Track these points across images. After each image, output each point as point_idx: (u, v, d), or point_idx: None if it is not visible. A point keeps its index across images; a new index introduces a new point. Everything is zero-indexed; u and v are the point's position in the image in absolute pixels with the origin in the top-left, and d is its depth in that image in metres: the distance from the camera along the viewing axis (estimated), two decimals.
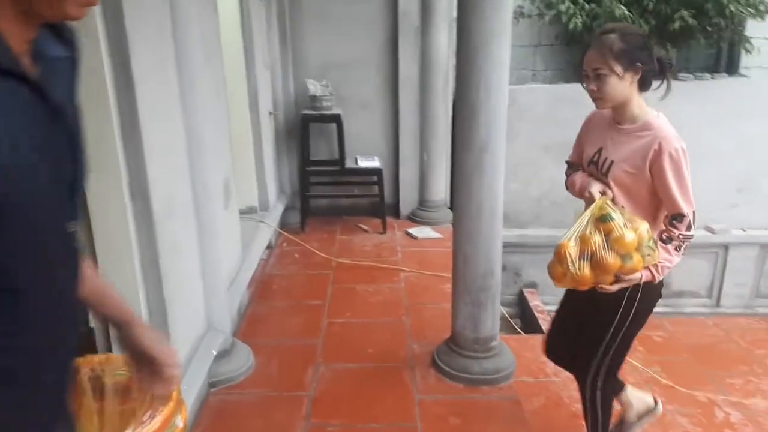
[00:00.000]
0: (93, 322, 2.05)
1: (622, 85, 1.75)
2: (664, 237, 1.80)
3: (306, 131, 4.39)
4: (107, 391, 1.52)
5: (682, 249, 1.80)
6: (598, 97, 1.79)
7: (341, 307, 3.29)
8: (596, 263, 1.73)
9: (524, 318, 4.61)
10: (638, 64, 1.74)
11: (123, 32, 1.77)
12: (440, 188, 4.67)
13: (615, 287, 1.78)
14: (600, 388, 1.98)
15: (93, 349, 2.07)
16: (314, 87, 4.32)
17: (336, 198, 4.70)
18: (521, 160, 4.56)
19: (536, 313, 4.37)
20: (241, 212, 3.72)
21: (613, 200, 1.82)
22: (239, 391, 2.53)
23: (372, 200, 4.55)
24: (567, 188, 2.04)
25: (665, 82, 1.82)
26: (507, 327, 3.99)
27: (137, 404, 1.50)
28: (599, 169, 1.87)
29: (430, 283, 3.59)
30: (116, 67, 1.80)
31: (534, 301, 4.62)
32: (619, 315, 1.86)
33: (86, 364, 1.61)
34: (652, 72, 1.78)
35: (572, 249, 1.74)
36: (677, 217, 1.77)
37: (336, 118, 4.31)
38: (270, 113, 4.30)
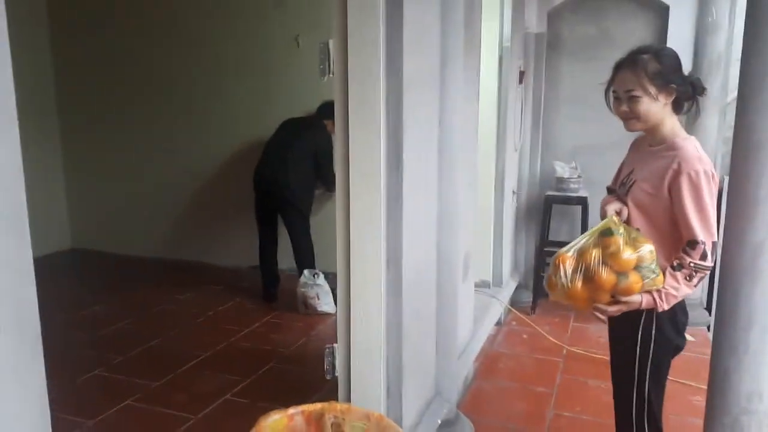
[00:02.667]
0: (338, 371, 2.27)
1: (656, 106, 1.71)
2: (675, 263, 1.69)
3: (548, 212, 4.36)
4: None
5: (694, 280, 1.69)
6: (629, 118, 1.74)
7: (570, 400, 3.10)
8: (589, 278, 1.65)
9: None
10: (672, 85, 1.70)
11: (400, 122, 2.02)
12: (697, 285, 4.19)
13: (613, 309, 1.69)
14: None
15: (333, 395, 2.29)
16: (562, 169, 4.31)
17: None
18: None
19: None
20: (476, 285, 3.80)
21: (628, 221, 1.77)
22: None
23: None
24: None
25: (694, 105, 1.78)
26: None
27: None
28: (624, 190, 1.83)
29: (676, 390, 3.19)
30: (390, 151, 2.05)
31: None
32: (639, 348, 1.79)
33: (330, 410, 1.80)
34: (685, 94, 1.74)
35: (569, 261, 1.67)
36: (691, 243, 1.67)
37: (582, 201, 4.21)
38: (513, 192, 4.39)
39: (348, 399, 2.23)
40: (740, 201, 2.08)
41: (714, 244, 1.69)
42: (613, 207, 1.77)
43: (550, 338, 3.86)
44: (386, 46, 1.95)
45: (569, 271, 1.66)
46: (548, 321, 4.17)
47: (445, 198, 2.49)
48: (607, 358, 3.54)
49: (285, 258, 4.40)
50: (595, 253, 1.64)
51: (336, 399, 2.26)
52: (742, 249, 2.08)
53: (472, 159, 3.21)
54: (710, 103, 3.95)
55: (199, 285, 4.71)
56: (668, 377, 3.35)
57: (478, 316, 3.61)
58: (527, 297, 4.46)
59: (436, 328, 2.60)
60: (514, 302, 4.44)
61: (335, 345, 2.26)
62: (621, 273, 1.63)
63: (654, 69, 1.69)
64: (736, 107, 2.10)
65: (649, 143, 1.82)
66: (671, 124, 1.76)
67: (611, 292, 1.66)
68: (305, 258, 4.23)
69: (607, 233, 1.66)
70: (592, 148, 4.41)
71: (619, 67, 1.76)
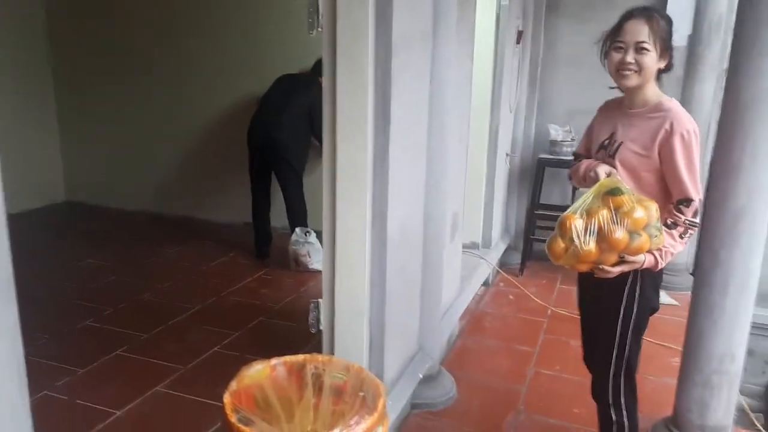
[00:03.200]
0: (322, 325, 2.32)
1: (655, 65, 1.71)
2: (669, 222, 1.71)
3: (540, 175, 4.36)
4: (325, 389, 1.71)
5: (686, 237, 1.71)
6: (632, 71, 1.71)
7: (551, 358, 3.17)
8: (602, 238, 1.60)
9: None
10: (669, 51, 1.74)
11: (389, 79, 2.00)
12: (684, 251, 4.22)
13: (616, 269, 1.65)
14: (623, 392, 1.91)
15: (318, 348, 2.34)
16: (556, 132, 4.29)
17: None
18: None
19: None
20: (464, 246, 3.83)
21: None
22: (438, 419, 2.60)
23: None
24: (570, 178, 2.01)
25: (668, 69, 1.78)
26: (745, 421, 3.41)
27: (347, 408, 1.66)
28: (608, 152, 1.81)
29: (656, 352, 3.26)
30: (377, 108, 2.03)
31: None
32: (623, 308, 1.80)
33: (311, 361, 1.84)
34: (671, 59, 1.75)
35: (578, 222, 1.61)
36: (684, 201, 1.70)
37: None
38: (507, 154, 4.37)
39: (332, 352, 2.27)
40: (724, 165, 2.10)
41: (701, 200, 1.72)
42: (603, 169, 1.73)
43: (536, 299, 3.91)
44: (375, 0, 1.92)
45: (581, 232, 1.61)
46: (535, 283, 4.22)
47: (434, 157, 2.49)
48: None
49: (279, 216, 4.42)
50: (605, 213, 1.60)
51: (320, 353, 2.31)
52: (723, 213, 2.11)
53: (465, 119, 3.19)
54: (708, 68, 3.91)
55: (192, 240, 4.74)
56: (649, 339, 3.43)
57: (465, 276, 3.65)
58: (516, 259, 4.50)
59: (421, 286, 2.63)
60: (502, 264, 4.49)
61: (320, 300, 2.30)
62: (633, 232, 1.60)
63: (664, 28, 1.70)
64: (729, 69, 2.09)
65: (628, 106, 1.81)
66: (654, 86, 1.76)
67: (622, 252, 1.63)
68: (298, 216, 4.25)
69: (615, 192, 1.62)
70: (586, 111, 4.30)
71: (630, 16, 1.73)
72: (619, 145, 1.77)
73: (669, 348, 3.22)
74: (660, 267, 1.71)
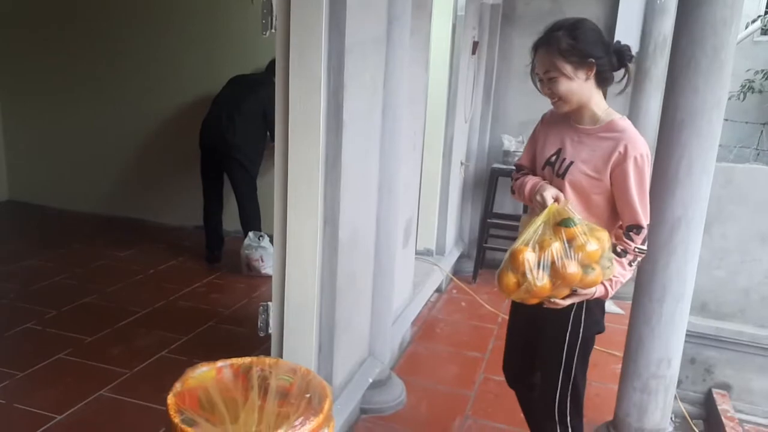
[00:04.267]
0: (272, 328, 2.30)
1: (576, 84, 1.62)
2: (619, 250, 1.66)
3: (494, 184, 4.45)
4: (270, 391, 1.70)
5: (634, 264, 1.69)
6: (554, 100, 1.68)
7: (500, 364, 3.22)
8: (556, 272, 1.54)
9: (709, 422, 4.04)
10: (591, 59, 1.60)
11: (341, 82, 2.02)
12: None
13: (566, 302, 1.61)
14: (570, 413, 1.84)
15: (267, 352, 2.32)
16: (509, 142, 4.38)
17: None
18: (732, 246, 4.08)
19: (724, 419, 3.81)
20: (418, 253, 3.87)
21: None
22: (386, 423, 2.61)
23: None
24: (513, 193, 1.89)
25: (626, 74, 1.69)
26: (685, 428, 3.55)
27: (292, 409, 1.66)
28: (555, 171, 1.72)
29: (601, 360, 3.36)
30: (330, 111, 2.04)
31: (723, 405, 4.04)
32: (568, 334, 1.74)
33: (258, 364, 1.82)
34: (608, 66, 1.64)
35: (530, 255, 1.55)
36: (634, 228, 1.65)
37: None
38: (462, 163, 4.45)
39: (280, 356, 2.26)
40: (662, 178, 2.19)
41: (648, 226, 1.68)
42: (550, 193, 1.64)
43: (488, 306, 3.98)
44: (329, 2, 1.93)
45: (534, 266, 1.54)
46: (487, 290, 4.28)
47: (387, 163, 2.51)
48: None
49: (231, 220, 4.36)
50: (558, 246, 1.54)
51: (268, 354, 2.30)
52: (661, 224, 2.20)
53: (419, 126, 3.23)
54: (654, 85, 4.07)
55: (141, 243, 4.63)
56: (595, 347, 3.53)
57: (418, 283, 3.68)
58: (469, 267, 4.56)
59: (373, 290, 2.64)
60: (456, 271, 4.55)
61: (270, 303, 2.28)
62: (587, 266, 1.55)
63: (567, 45, 1.59)
64: (665, 87, 2.19)
65: (576, 121, 1.71)
66: (599, 100, 1.68)
67: (576, 286, 1.58)
68: (251, 220, 4.20)
69: (567, 223, 1.56)
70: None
71: (536, 48, 1.67)
72: (569, 165, 1.68)
73: (612, 355, 3.31)
74: (610, 296, 1.68)
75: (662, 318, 2.27)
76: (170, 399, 1.57)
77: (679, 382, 2.77)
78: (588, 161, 1.65)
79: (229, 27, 4.62)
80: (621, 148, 1.60)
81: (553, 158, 1.74)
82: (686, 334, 2.40)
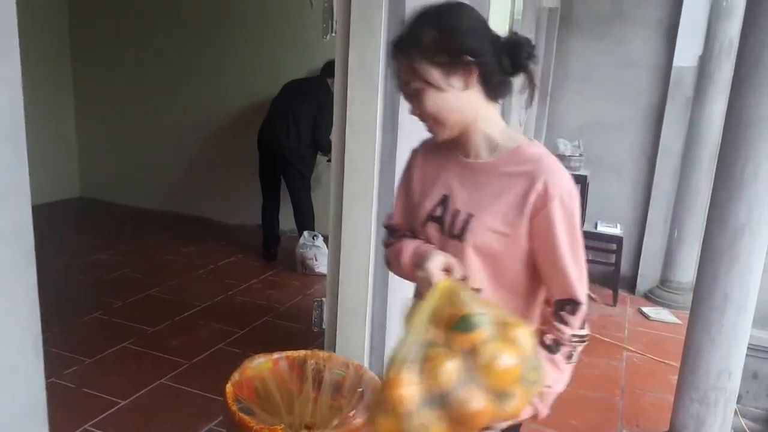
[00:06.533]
0: (325, 324, 2.36)
1: (451, 97, 1.11)
2: (549, 342, 1.13)
3: None
4: (324, 384, 1.75)
5: (573, 358, 1.15)
6: (427, 122, 1.16)
7: None
8: (454, 412, 0.99)
9: None
10: (467, 57, 1.09)
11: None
12: (689, 270, 4.23)
13: None
14: None
15: (321, 347, 2.38)
16: (565, 146, 4.33)
17: None
18: None
19: None
20: None
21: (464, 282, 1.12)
22: None
23: (606, 269, 4.33)
24: (388, 265, 1.35)
25: (528, 81, 1.15)
26: None
27: (345, 402, 1.70)
28: (446, 231, 1.18)
29: (657, 369, 3.28)
30: (386, 112, 2.09)
31: None
32: None
33: (313, 357, 1.88)
34: (496, 68, 1.11)
35: (410, 390, 0.99)
36: (569, 304, 1.12)
37: (582, 179, 4.24)
38: None
39: (333, 350, 2.31)
40: (726, 182, 2.13)
41: (584, 305, 1.14)
42: (437, 262, 1.11)
43: None
44: (389, 6, 1.98)
45: (418, 406, 0.99)
46: None
47: None
48: (593, 334, 3.63)
49: (288, 220, 4.48)
50: (452, 369, 1.00)
51: (322, 348, 2.36)
52: (723, 231, 2.14)
53: None
54: (718, 89, 3.93)
55: (203, 240, 4.81)
56: (650, 356, 3.43)
57: None
58: None
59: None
60: None
61: (324, 299, 2.34)
62: (501, 393, 1.01)
63: (430, 40, 1.09)
64: (731, 88, 2.13)
65: (464, 153, 1.20)
66: (492, 119, 1.16)
67: (485, 427, 1.05)
68: (305, 220, 4.31)
69: (464, 327, 1.01)
70: (597, 126, 4.43)
71: (393, 49, 1.16)
72: (467, 219, 1.15)
73: (669, 365, 3.22)
74: (543, 415, 1.18)
75: (723, 328, 2.20)
76: (228, 388, 1.63)
77: (740, 396, 2.67)
78: (495, 211, 1.13)
79: (294, 32, 4.75)
80: (539, 186, 1.09)
81: (438, 211, 1.20)
82: (748, 347, 2.31)
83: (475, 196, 1.16)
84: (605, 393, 2.98)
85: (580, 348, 1.16)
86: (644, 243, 4.39)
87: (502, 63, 1.12)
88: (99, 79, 5.58)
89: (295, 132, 4.11)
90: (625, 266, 4.30)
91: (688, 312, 3.93)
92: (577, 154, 4.27)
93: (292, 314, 3.59)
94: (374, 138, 2.08)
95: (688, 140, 4.12)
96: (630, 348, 3.50)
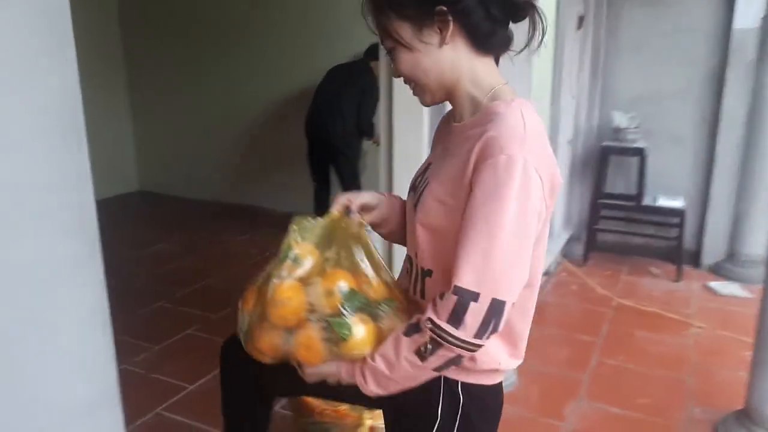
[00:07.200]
0: None
1: (427, 58, 0.98)
2: (410, 323, 0.96)
3: (604, 163, 4.26)
4: None
5: (431, 358, 0.93)
6: (412, 89, 1.06)
7: (615, 348, 3.11)
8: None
9: None
10: (441, 6, 0.94)
11: None
12: (759, 241, 4.03)
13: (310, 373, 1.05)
14: None
15: None
16: (620, 118, 4.17)
17: (626, 235, 4.43)
18: None
19: None
20: None
21: (416, 251, 1.05)
22: None
23: (668, 243, 4.17)
24: None
25: (531, 25, 0.99)
26: None
27: None
28: (414, 200, 1.10)
29: (727, 345, 3.14)
30: None
31: None
32: None
33: None
34: (481, 14, 0.95)
35: (252, 298, 1.14)
36: (446, 292, 0.91)
37: (639, 152, 4.08)
38: (568, 142, 4.29)
39: None
40: None
41: (498, 304, 0.90)
42: (342, 199, 1.16)
43: (600, 290, 3.83)
44: None
45: (246, 316, 1.13)
46: (599, 274, 4.12)
47: None
48: (658, 311, 3.52)
49: None
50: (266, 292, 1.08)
51: None
52: None
53: None
54: None
55: (257, 228, 4.90)
56: (722, 332, 3.29)
57: None
58: (579, 249, 4.41)
59: None
60: (565, 254, 4.41)
61: None
62: (286, 329, 1.05)
63: None
64: None
65: (455, 117, 1.08)
66: (481, 76, 1.01)
67: (275, 357, 1.09)
68: None
69: (281, 257, 1.07)
70: (652, 97, 4.25)
71: (363, 3, 1.04)
72: (424, 188, 1.05)
73: (741, 341, 3.08)
74: (370, 392, 1.00)
75: None
76: None
77: None
78: (443, 179, 1.00)
79: (340, 15, 4.74)
80: (480, 144, 0.92)
81: (419, 180, 1.12)
82: None
83: (438, 164, 1.06)
84: (673, 372, 2.88)
85: (446, 352, 0.92)
86: (708, 216, 4.20)
87: (487, 9, 0.96)
88: (152, 77, 5.73)
89: (340, 117, 4.10)
90: (688, 240, 4.14)
91: (759, 285, 3.76)
92: (633, 126, 4.11)
93: None
94: (422, 121, 2.04)
95: (752, 106, 3.90)
96: (697, 324, 3.37)
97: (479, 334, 0.90)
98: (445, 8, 0.94)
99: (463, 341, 0.90)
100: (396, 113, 2.06)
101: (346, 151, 4.20)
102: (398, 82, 2.01)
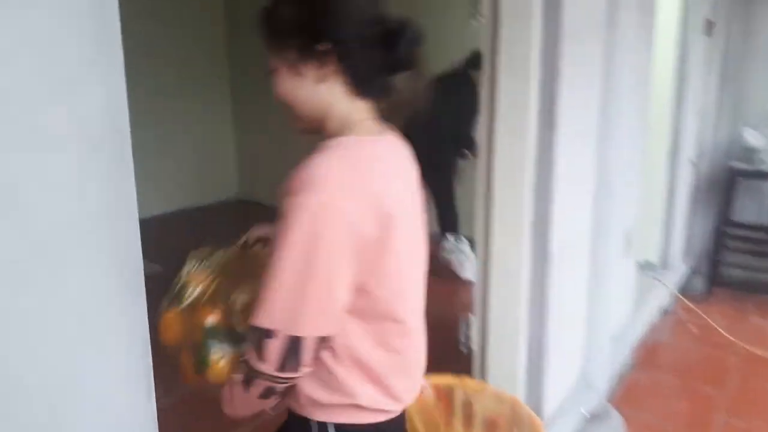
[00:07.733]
0: (475, 343, 2.13)
1: (302, 88, 0.96)
2: (245, 357, 0.94)
3: (732, 187, 3.77)
4: (476, 422, 1.53)
5: (252, 387, 0.93)
6: (285, 113, 1.03)
7: (745, 407, 2.66)
8: None
9: None
10: (322, 44, 0.90)
11: (556, 69, 1.77)
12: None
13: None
14: None
15: (469, 369, 2.15)
16: (753, 137, 3.68)
17: (757, 271, 3.89)
18: None
19: None
20: (639, 266, 3.40)
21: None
22: None
23: None
24: None
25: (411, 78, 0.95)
26: None
27: None
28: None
29: None
30: (542, 102, 1.82)
31: None
32: None
33: (462, 386, 1.66)
34: (365, 60, 0.92)
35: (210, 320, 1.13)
36: (257, 330, 0.89)
37: None
38: (691, 161, 3.85)
39: (483, 376, 2.08)
40: None
41: (294, 339, 0.87)
42: (259, 231, 1.27)
43: (725, 333, 3.34)
44: None
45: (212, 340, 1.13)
46: (723, 313, 3.62)
47: (605, 162, 2.19)
48: None
49: (431, 220, 4.31)
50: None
51: (470, 373, 2.13)
52: None
53: (642, 119, 2.81)
54: None
55: None
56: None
57: (638, 301, 3.23)
58: (700, 284, 3.93)
59: (587, 308, 2.33)
60: (683, 289, 3.93)
61: (472, 315, 2.12)
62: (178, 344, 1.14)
63: (287, 16, 0.94)
64: None
65: None
66: (349, 119, 0.97)
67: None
68: (447, 222, 4.10)
69: (173, 285, 1.15)
70: None
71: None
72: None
73: None
74: (229, 412, 1.01)
75: None
76: None
77: None
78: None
79: (434, 18, 4.55)
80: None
81: None
82: None
83: None
84: None
85: (264, 382, 0.92)
86: None
87: (372, 55, 0.93)
88: (254, 86, 5.83)
89: (437, 130, 3.91)
90: None
91: None
92: None
93: (436, 323, 3.37)
94: (527, 136, 1.81)
95: None
96: None
97: (282, 368, 0.90)
98: (328, 46, 0.91)
99: (270, 375, 0.91)
100: (498, 128, 1.84)
101: (442, 164, 4.01)
102: (502, 94, 1.80)
